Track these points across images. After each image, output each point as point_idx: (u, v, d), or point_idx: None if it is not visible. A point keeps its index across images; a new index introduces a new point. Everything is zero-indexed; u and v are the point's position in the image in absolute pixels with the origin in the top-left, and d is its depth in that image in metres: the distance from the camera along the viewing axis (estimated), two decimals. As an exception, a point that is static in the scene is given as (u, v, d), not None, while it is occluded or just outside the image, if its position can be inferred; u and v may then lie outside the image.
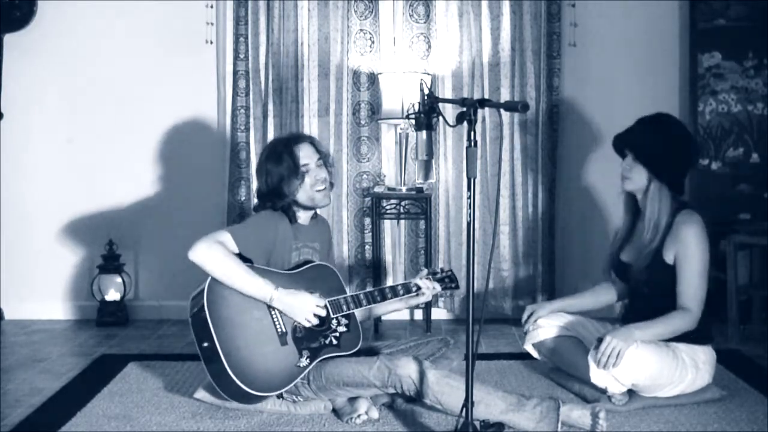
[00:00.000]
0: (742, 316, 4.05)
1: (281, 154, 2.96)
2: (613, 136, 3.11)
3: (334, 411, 2.91)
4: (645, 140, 2.99)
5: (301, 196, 2.98)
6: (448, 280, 3.17)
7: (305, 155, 2.99)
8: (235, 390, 2.70)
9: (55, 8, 4.38)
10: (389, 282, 4.39)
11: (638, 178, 3.00)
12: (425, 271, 3.16)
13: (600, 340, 2.83)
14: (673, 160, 2.97)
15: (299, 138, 3.06)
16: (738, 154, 4.34)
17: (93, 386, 3.24)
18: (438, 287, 3.11)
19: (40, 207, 4.46)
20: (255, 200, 3.11)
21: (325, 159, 3.07)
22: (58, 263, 4.47)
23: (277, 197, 2.97)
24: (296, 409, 2.91)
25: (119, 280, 4.36)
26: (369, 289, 3.04)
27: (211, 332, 2.70)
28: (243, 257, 2.82)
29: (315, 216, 3.14)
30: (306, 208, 3.03)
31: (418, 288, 3.07)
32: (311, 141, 3.07)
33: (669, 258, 2.95)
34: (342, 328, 2.92)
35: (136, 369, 3.48)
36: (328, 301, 2.89)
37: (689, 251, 2.90)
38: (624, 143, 3.05)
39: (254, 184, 4.30)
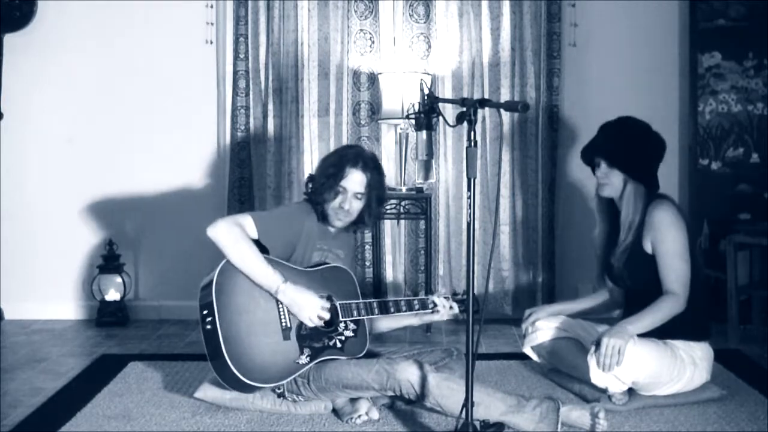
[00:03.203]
0: (742, 316, 4.05)
1: (335, 165, 2.97)
2: (581, 150, 3.16)
3: (335, 411, 2.91)
4: (614, 144, 3.04)
5: (325, 207, 3.00)
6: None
7: (352, 181, 2.97)
8: (230, 376, 2.69)
9: (55, 8, 4.38)
10: (389, 283, 4.39)
11: (616, 181, 3.04)
12: (444, 290, 3.13)
13: (598, 343, 2.83)
14: (644, 156, 3.03)
15: (363, 164, 2.99)
16: (738, 154, 4.34)
17: (93, 386, 3.24)
18: (456, 308, 3.06)
19: (39, 207, 4.46)
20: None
21: (369, 197, 3.01)
22: (58, 263, 4.47)
23: (315, 191, 3.00)
24: (296, 409, 2.91)
25: (119, 280, 4.36)
26: (384, 298, 2.99)
27: (214, 314, 2.70)
28: (261, 246, 2.82)
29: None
30: (328, 222, 3.04)
31: (434, 305, 3.04)
32: (372, 174, 3.00)
33: (648, 248, 2.97)
34: (349, 333, 2.91)
35: (136, 369, 3.48)
36: (340, 304, 2.89)
37: (663, 235, 2.92)
38: (595, 152, 3.09)
39: (255, 184, 4.33)
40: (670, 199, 3.03)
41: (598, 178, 3.09)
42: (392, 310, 2.97)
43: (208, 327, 2.73)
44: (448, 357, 3.04)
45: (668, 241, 2.92)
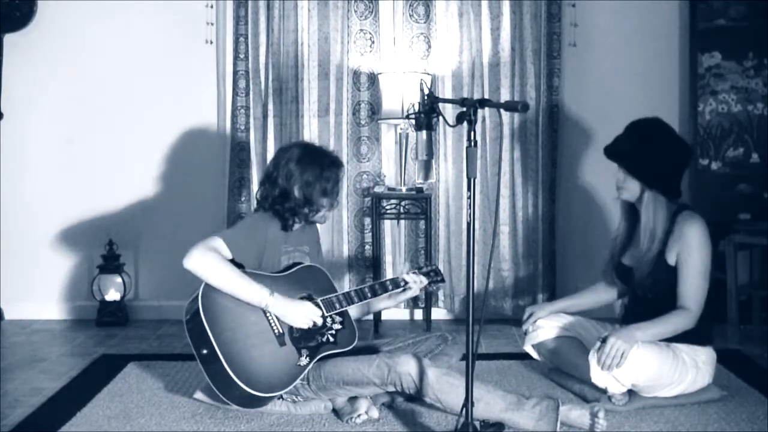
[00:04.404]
0: (742, 316, 4.05)
1: (329, 176, 2.98)
2: (603, 148, 3.10)
3: (334, 411, 2.92)
4: (633, 155, 2.98)
5: (317, 215, 3.02)
6: (433, 274, 3.20)
7: (342, 180, 3.09)
8: (238, 393, 2.70)
9: (55, 8, 4.38)
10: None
11: (633, 187, 3.00)
12: (408, 266, 3.17)
13: (603, 342, 2.83)
14: (664, 170, 2.96)
15: (341, 167, 3.07)
16: (738, 154, 4.34)
17: (93, 386, 3.24)
18: (424, 280, 3.13)
19: (40, 207, 4.46)
20: (258, 189, 3.07)
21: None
22: (58, 263, 4.47)
23: (309, 202, 2.97)
24: (296, 409, 2.91)
25: (119, 280, 4.36)
26: (359, 286, 3.07)
27: (209, 338, 2.70)
28: (236, 262, 2.83)
29: None
30: (309, 222, 3.07)
31: (406, 283, 3.09)
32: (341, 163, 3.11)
33: (672, 260, 2.94)
34: (337, 326, 2.93)
35: (136, 369, 3.48)
36: (321, 300, 2.91)
37: (690, 251, 2.91)
38: (614, 157, 3.05)
39: (255, 184, 4.33)
40: (698, 214, 2.98)
41: (617, 181, 3.05)
42: (369, 295, 3.01)
43: (205, 352, 2.73)
44: (443, 343, 3.07)
45: (694, 258, 2.90)
